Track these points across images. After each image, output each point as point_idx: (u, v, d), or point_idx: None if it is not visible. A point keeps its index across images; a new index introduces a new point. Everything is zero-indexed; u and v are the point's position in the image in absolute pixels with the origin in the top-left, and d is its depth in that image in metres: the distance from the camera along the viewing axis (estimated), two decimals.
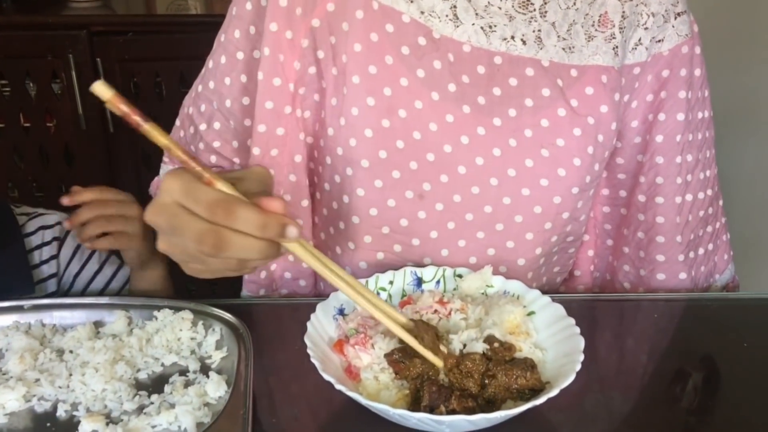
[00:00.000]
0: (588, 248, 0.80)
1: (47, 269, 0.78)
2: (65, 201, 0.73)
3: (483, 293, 0.62)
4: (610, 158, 0.74)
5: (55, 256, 0.79)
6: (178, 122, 0.81)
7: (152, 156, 1.79)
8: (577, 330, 0.54)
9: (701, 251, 0.77)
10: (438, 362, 0.50)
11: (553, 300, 0.58)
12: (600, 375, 0.59)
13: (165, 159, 0.83)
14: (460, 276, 0.63)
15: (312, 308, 0.56)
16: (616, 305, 0.73)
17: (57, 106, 1.67)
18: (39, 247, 0.79)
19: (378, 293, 0.62)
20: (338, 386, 0.47)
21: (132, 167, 1.79)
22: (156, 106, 1.74)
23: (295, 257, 0.52)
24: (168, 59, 1.73)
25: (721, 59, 2.17)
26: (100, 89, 0.43)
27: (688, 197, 0.74)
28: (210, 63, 0.75)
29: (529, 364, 0.50)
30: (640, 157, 0.74)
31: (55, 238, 0.80)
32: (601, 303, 0.73)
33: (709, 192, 0.76)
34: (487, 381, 0.49)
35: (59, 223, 0.81)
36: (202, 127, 0.75)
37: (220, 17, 1.05)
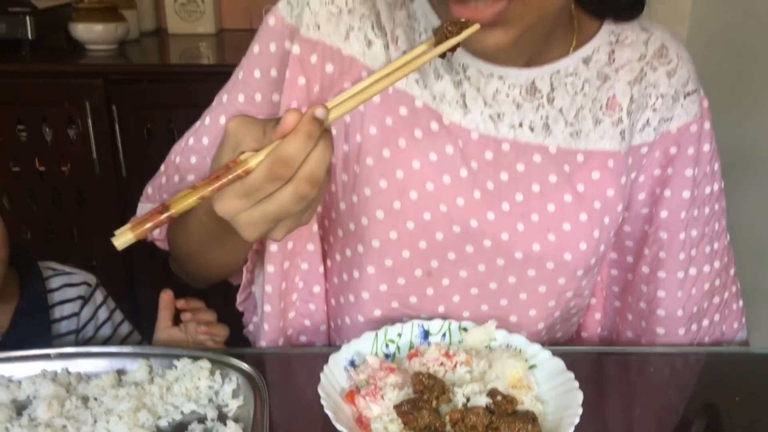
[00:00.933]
0: (595, 311, 0.82)
1: (67, 325, 0.82)
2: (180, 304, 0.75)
3: (487, 346, 0.65)
4: (619, 226, 0.76)
5: (77, 314, 0.83)
6: (162, 168, 0.83)
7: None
8: (576, 384, 0.57)
9: (705, 323, 0.79)
10: None
11: (554, 353, 0.61)
12: (600, 428, 0.62)
13: (142, 199, 0.86)
14: (465, 329, 0.66)
15: (324, 359, 0.59)
16: (616, 359, 0.75)
17: (71, 151, 1.72)
18: (62, 303, 0.82)
19: (387, 345, 0.65)
20: None
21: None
22: (168, 151, 1.79)
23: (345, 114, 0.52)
24: (181, 107, 1.78)
25: (722, 109, 2.22)
26: (122, 240, 0.47)
27: (692, 271, 0.76)
28: (207, 119, 0.77)
29: (531, 417, 0.53)
30: (646, 227, 0.76)
31: (79, 297, 0.84)
32: (603, 356, 0.76)
33: (716, 264, 0.77)
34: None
35: (85, 282, 0.85)
36: (190, 177, 0.78)
37: (232, 66, 1.11)
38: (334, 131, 0.69)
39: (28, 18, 1.77)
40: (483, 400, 0.54)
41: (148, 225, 0.47)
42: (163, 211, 0.48)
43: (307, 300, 0.78)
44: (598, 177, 0.70)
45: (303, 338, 0.79)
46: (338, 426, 0.50)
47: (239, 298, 0.82)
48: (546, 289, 0.71)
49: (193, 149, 0.78)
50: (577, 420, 0.52)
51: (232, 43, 2.15)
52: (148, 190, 0.85)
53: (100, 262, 1.77)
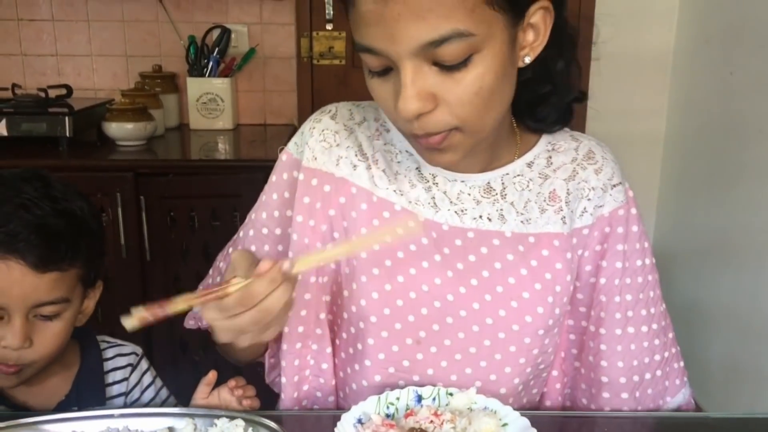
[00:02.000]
0: (553, 369, 0.97)
1: (118, 388, 0.97)
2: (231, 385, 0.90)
3: (469, 408, 0.79)
4: (572, 294, 0.92)
5: (126, 379, 0.98)
6: (210, 271, 1.03)
7: (181, 280, 1.99)
8: None
9: (647, 376, 0.93)
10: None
11: (522, 414, 0.76)
12: None
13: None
14: (451, 394, 0.81)
15: (335, 419, 0.74)
16: (575, 420, 0.89)
17: None
18: (114, 370, 0.98)
19: (387, 406, 0.79)
20: None
21: (163, 291, 1.98)
22: (189, 237, 1.97)
23: (307, 269, 0.74)
24: (201, 197, 1.97)
25: (697, 201, 2.40)
26: (129, 323, 0.66)
27: (630, 330, 0.91)
28: (241, 233, 0.98)
29: None
30: (593, 295, 0.92)
31: (129, 365, 0.99)
32: (564, 418, 0.91)
33: (654, 326, 0.93)
34: None
35: (134, 353, 1.00)
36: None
37: (247, 161, 1.29)
38: (336, 235, 0.88)
39: (66, 118, 1.98)
40: None
41: (149, 316, 0.67)
42: (163, 306, 0.67)
43: (317, 375, 0.93)
44: (547, 254, 0.87)
45: (318, 394, 0.94)
46: None
47: (268, 378, 0.99)
48: (516, 348, 0.87)
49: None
50: None
51: (248, 137, 2.36)
52: (200, 288, 1.02)
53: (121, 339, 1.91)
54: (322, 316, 0.91)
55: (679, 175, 2.56)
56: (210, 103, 2.34)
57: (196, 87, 2.33)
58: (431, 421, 0.74)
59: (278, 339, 0.92)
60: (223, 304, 0.68)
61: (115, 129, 2.06)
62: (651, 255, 0.93)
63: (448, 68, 0.71)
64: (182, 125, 2.42)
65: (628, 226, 0.90)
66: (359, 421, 0.75)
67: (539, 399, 0.98)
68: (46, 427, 0.77)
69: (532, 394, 0.95)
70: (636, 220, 0.91)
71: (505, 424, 0.75)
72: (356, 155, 0.89)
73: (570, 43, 0.84)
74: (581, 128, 2.53)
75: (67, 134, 1.98)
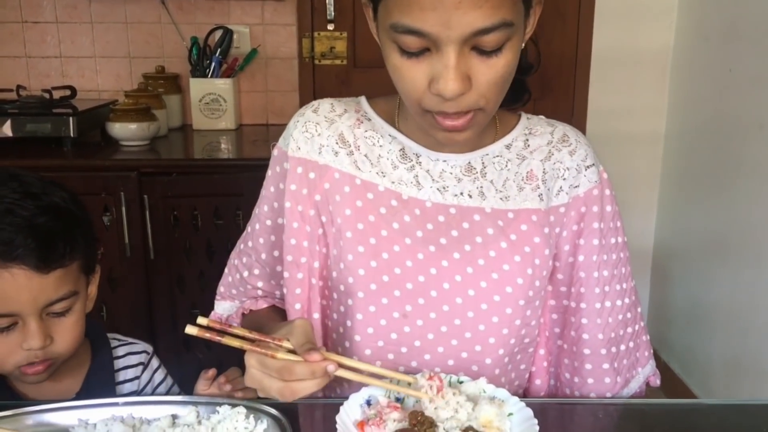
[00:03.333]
0: (540, 348, 1.00)
1: (129, 386, 0.99)
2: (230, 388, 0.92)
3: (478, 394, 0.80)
4: (552, 275, 0.96)
5: (138, 377, 1.00)
6: (227, 270, 1.07)
7: (185, 279, 2.01)
8: (537, 427, 0.72)
9: (623, 347, 0.97)
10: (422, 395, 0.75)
11: (528, 405, 0.77)
12: None
13: (217, 297, 1.06)
14: (461, 382, 0.81)
15: (331, 408, 0.76)
16: (576, 407, 0.92)
17: (105, 236, 1.91)
18: (125, 368, 0.99)
19: (398, 392, 0.80)
20: None
21: (167, 290, 2.01)
22: (193, 236, 1.99)
23: (344, 377, 0.77)
24: (204, 196, 1.99)
25: (698, 198, 2.42)
26: (190, 331, 0.72)
27: (607, 304, 0.95)
28: (248, 228, 1.02)
29: None
30: (572, 273, 0.95)
31: (140, 363, 1.01)
32: (563, 405, 0.93)
33: (627, 300, 0.97)
34: None
35: (144, 351, 1.03)
36: (245, 273, 1.02)
37: (249, 160, 1.30)
38: (324, 219, 0.93)
39: (71, 119, 2.00)
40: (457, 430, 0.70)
41: (207, 336, 0.73)
42: (220, 335, 0.73)
43: None
44: (526, 228, 0.91)
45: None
46: None
47: None
48: (498, 319, 0.90)
49: (245, 252, 1.02)
50: None
51: (250, 137, 2.37)
52: (221, 288, 1.07)
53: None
54: (318, 300, 0.95)
55: (679, 173, 2.57)
56: (213, 103, 2.36)
57: (198, 87, 2.35)
58: (432, 400, 0.75)
59: None
60: (265, 362, 0.74)
61: (119, 129, 2.08)
62: (624, 234, 0.98)
63: (486, 54, 0.77)
64: (185, 125, 2.45)
65: (602, 206, 0.95)
66: (368, 402, 0.77)
67: (528, 377, 1.01)
68: (53, 415, 0.78)
69: (520, 370, 0.97)
70: (610, 200, 0.96)
71: (510, 414, 0.76)
72: (337, 143, 0.93)
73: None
74: (582, 127, 2.56)
75: (72, 134, 2.00)
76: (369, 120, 0.95)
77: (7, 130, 1.99)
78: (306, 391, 0.73)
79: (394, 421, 0.73)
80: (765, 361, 1.99)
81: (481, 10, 0.73)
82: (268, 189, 0.97)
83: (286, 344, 0.74)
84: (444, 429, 0.71)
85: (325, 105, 0.96)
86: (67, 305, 0.88)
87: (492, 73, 0.78)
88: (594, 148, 0.97)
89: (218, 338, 0.73)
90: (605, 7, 2.50)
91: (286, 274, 0.94)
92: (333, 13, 2.40)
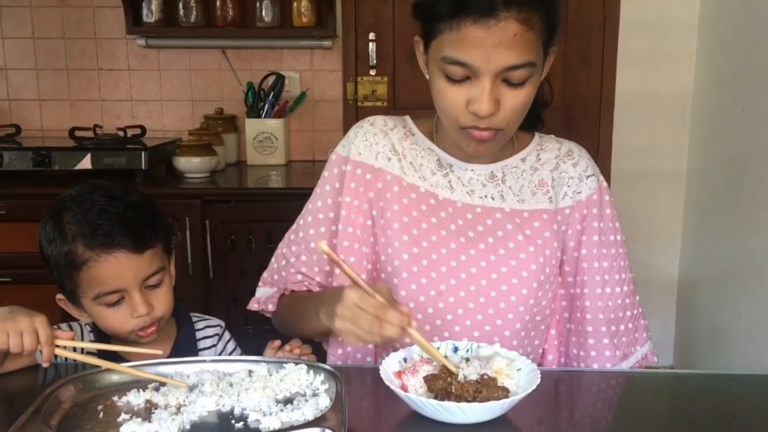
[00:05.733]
0: (552, 328, 1.18)
1: (208, 353, 1.20)
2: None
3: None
4: (560, 267, 1.14)
5: (215, 345, 1.21)
6: (273, 260, 1.25)
7: (239, 297, 2.22)
8: (538, 375, 0.89)
9: (622, 327, 1.15)
10: (453, 368, 0.89)
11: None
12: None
13: (260, 284, 1.25)
14: (479, 347, 0.98)
15: (372, 371, 0.94)
16: (575, 375, 1.08)
17: None
18: (204, 338, 1.21)
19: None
20: (397, 390, 0.84)
21: (224, 306, 2.22)
22: (247, 258, 2.20)
23: (412, 338, 0.93)
24: (258, 221, 2.21)
25: (718, 230, 2.54)
26: (324, 247, 0.88)
27: (607, 290, 1.13)
28: (301, 221, 1.21)
29: (502, 387, 0.86)
30: (577, 265, 1.14)
31: (216, 334, 1.23)
32: (567, 374, 1.10)
33: (625, 288, 1.15)
34: (477, 393, 0.85)
35: (219, 325, 1.24)
36: (292, 260, 1.20)
37: (297, 189, 1.52)
38: (375, 213, 1.12)
39: (142, 153, 2.26)
40: (475, 376, 0.87)
41: (333, 258, 0.90)
42: (340, 264, 0.90)
43: None
44: (538, 225, 1.11)
45: (358, 355, 1.16)
46: (391, 386, 0.84)
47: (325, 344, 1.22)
48: (515, 298, 1.08)
49: (294, 242, 1.21)
50: (530, 390, 0.85)
51: (299, 171, 2.60)
52: (264, 275, 1.27)
53: None
54: (363, 276, 1.13)
55: (701, 207, 2.71)
56: (265, 141, 2.61)
57: (253, 127, 2.60)
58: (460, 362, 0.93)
59: None
60: (365, 299, 0.90)
61: (184, 163, 2.33)
62: (622, 233, 1.17)
63: (513, 85, 0.97)
64: (240, 161, 2.69)
65: (602, 208, 1.14)
66: (405, 359, 0.95)
67: (542, 353, 1.18)
68: (154, 369, 0.98)
69: (534, 345, 1.15)
70: (609, 204, 1.15)
71: (519, 369, 0.93)
72: (390, 151, 1.15)
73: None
74: (607, 164, 2.73)
75: (143, 167, 2.25)
76: (413, 135, 1.17)
77: (87, 163, 2.25)
78: (391, 331, 0.89)
79: (424, 371, 0.91)
80: None
81: (513, 51, 0.94)
82: (323, 187, 1.17)
83: (378, 297, 0.90)
84: (463, 374, 0.89)
85: (379, 120, 1.18)
86: (159, 278, 1.12)
87: (516, 100, 0.99)
88: (594, 163, 1.17)
89: (340, 262, 0.89)
90: (628, 53, 2.69)
91: (341, 257, 1.12)
92: (375, 60, 2.65)
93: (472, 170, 1.13)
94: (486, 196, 1.12)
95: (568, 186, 1.14)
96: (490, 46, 0.94)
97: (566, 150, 1.16)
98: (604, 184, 1.16)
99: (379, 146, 1.14)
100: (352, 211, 1.13)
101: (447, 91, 1.00)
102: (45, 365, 0.96)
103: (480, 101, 0.97)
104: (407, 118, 1.20)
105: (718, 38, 2.56)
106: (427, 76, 1.04)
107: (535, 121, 1.16)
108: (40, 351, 0.96)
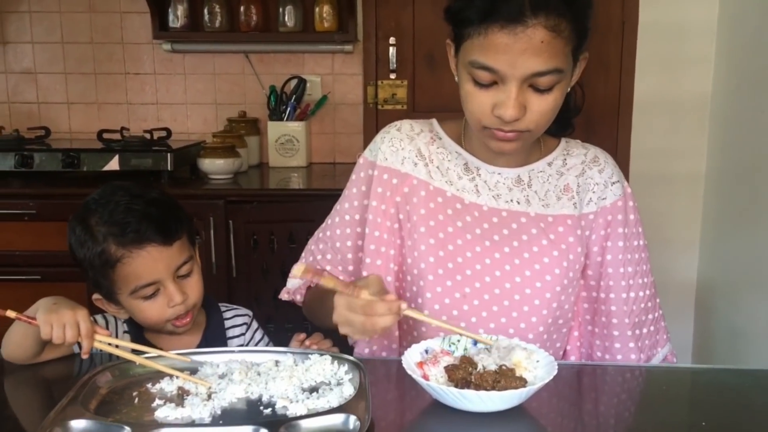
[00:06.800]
0: (574, 330, 1.20)
1: (237, 341, 1.25)
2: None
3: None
4: (583, 271, 1.16)
5: (243, 334, 1.25)
6: (303, 254, 1.29)
7: (261, 296, 2.26)
8: (556, 367, 0.92)
9: (645, 330, 1.16)
10: (459, 330, 0.95)
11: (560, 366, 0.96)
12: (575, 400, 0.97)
13: (290, 276, 1.27)
14: (497, 339, 1.02)
15: (395, 363, 0.98)
16: (590, 368, 1.11)
17: None
18: (233, 327, 1.26)
19: (449, 345, 1.01)
20: (418, 379, 0.87)
21: (246, 304, 2.23)
22: (269, 257, 2.25)
23: (413, 317, 0.98)
24: (280, 222, 2.25)
25: (737, 234, 2.54)
26: (300, 270, 0.95)
27: (632, 294, 1.14)
28: (329, 220, 1.24)
29: (520, 378, 0.89)
30: (601, 270, 1.15)
31: (244, 323, 1.27)
32: (585, 367, 1.12)
33: (647, 292, 1.16)
34: (495, 383, 0.88)
35: (247, 314, 1.29)
36: (318, 257, 1.24)
37: (319, 190, 1.57)
38: (401, 216, 1.15)
39: (168, 155, 2.31)
40: (494, 367, 0.90)
41: (309, 274, 0.96)
42: (318, 275, 0.96)
43: None
44: (562, 230, 1.12)
45: (383, 354, 1.19)
46: (412, 374, 0.88)
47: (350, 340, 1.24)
48: (539, 301, 1.10)
49: (322, 240, 1.25)
50: (548, 380, 0.88)
51: (319, 173, 2.65)
52: (293, 268, 1.26)
53: None
54: (389, 278, 1.16)
55: (720, 210, 2.71)
56: (287, 143, 2.65)
57: (275, 130, 2.65)
58: (479, 353, 0.96)
59: None
60: (351, 302, 0.95)
61: (208, 164, 2.38)
62: (645, 238, 1.18)
63: (539, 91, 0.99)
64: (262, 163, 2.74)
65: (626, 215, 1.15)
66: (426, 351, 0.98)
67: (563, 354, 1.20)
68: (183, 358, 1.02)
69: (556, 347, 1.17)
70: (633, 210, 1.17)
71: (538, 361, 0.96)
72: (416, 156, 1.17)
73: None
74: (625, 167, 2.75)
75: (169, 168, 2.30)
76: (440, 139, 1.19)
77: (115, 164, 2.31)
78: (384, 323, 0.94)
79: (445, 362, 0.94)
80: None
81: (540, 58, 0.96)
82: (350, 189, 1.21)
83: (364, 293, 0.96)
84: (482, 365, 0.92)
85: (405, 125, 1.20)
86: (189, 268, 1.17)
87: (543, 106, 1.01)
88: (619, 169, 1.18)
89: (315, 277, 0.95)
90: (646, 57, 2.71)
91: (367, 260, 1.16)
92: (395, 64, 2.68)
93: (499, 173, 1.15)
94: (512, 200, 1.14)
95: (593, 192, 1.15)
96: (517, 52, 0.95)
97: (592, 156, 1.18)
98: (629, 190, 1.17)
99: (405, 151, 1.17)
100: (379, 215, 1.16)
101: (474, 95, 1.02)
102: (84, 356, 1.01)
103: (506, 106, 0.99)
104: (434, 121, 1.21)
105: (737, 41, 2.57)
106: (456, 79, 1.07)
107: (564, 125, 1.17)
108: (79, 343, 1.01)
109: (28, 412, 1.01)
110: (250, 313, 1.31)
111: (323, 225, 1.26)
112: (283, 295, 1.28)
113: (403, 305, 0.95)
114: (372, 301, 0.95)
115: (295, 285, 1.27)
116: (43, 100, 2.78)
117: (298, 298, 1.26)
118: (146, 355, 1.01)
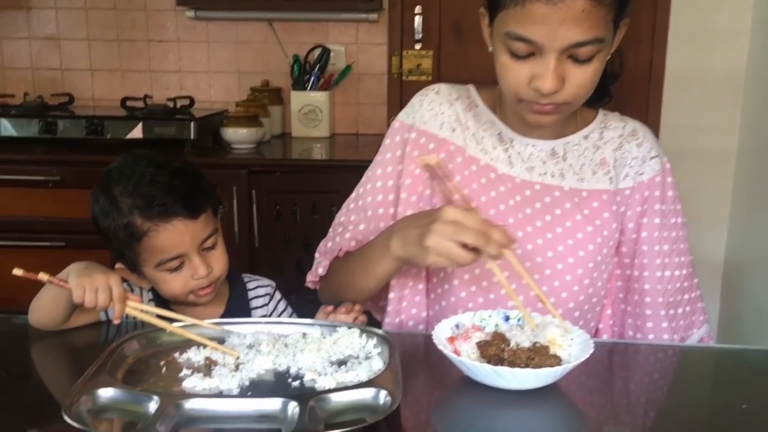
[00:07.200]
0: (607, 309, 1.17)
1: (260, 312, 1.23)
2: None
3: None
4: (618, 248, 1.12)
5: (266, 305, 1.24)
6: (330, 230, 1.24)
7: (284, 266, 2.25)
8: (592, 345, 0.90)
9: (680, 311, 1.13)
10: (515, 296, 0.94)
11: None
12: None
13: (316, 255, 1.23)
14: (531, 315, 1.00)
15: (424, 337, 0.96)
16: (622, 347, 1.09)
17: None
18: (256, 297, 1.24)
19: (480, 321, 0.99)
20: (450, 354, 0.86)
21: (267, 273, 2.21)
22: (292, 229, 2.24)
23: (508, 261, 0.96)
24: (302, 192, 2.24)
25: (766, 216, 2.48)
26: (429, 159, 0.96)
27: (667, 273, 1.11)
28: (360, 189, 1.20)
29: (554, 356, 0.87)
30: (635, 247, 1.12)
31: (267, 294, 1.26)
32: (617, 346, 1.10)
33: (684, 271, 1.13)
34: (529, 360, 0.86)
35: (270, 285, 1.27)
36: (350, 227, 1.19)
37: (341, 161, 1.52)
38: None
39: (191, 123, 2.30)
40: (528, 344, 0.88)
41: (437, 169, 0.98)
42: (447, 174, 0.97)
43: (411, 306, 1.16)
44: (597, 205, 1.09)
45: (411, 323, 1.16)
46: (443, 349, 0.86)
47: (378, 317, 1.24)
48: (570, 277, 1.08)
49: (353, 211, 1.20)
50: (583, 359, 0.86)
51: (342, 144, 2.62)
52: (321, 246, 1.24)
53: None
54: None
55: (750, 188, 2.65)
56: (310, 113, 2.62)
57: (298, 100, 2.62)
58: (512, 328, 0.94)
59: (386, 289, 1.16)
60: (469, 215, 0.93)
61: (231, 133, 2.36)
62: (683, 216, 1.14)
63: (579, 61, 0.95)
64: (285, 134, 2.71)
65: (664, 191, 1.12)
66: (456, 326, 0.96)
67: (595, 332, 1.18)
68: (215, 327, 1.01)
69: (589, 326, 1.14)
70: (672, 186, 1.13)
71: (573, 338, 0.93)
72: (455, 121, 1.14)
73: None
74: None
75: (192, 137, 2.29)
76: (476, 106, 1.15)
77: (138, 132, 2.30)
78: (492, 250, 0.92)
79: (476, 338, 0.92)
80: None
81: (580, 27, 0.91)
82: (384, 155, 1.17)
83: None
84: (515, 342, 0.90)
85: (444, 88, 1.17)
86: (213, 240, 1.15)
87: (582, 77, 0.96)
88: (658, 144, 1.14)
89: (449, 174, 0.98)
90: (680, 29, 2.63)
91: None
92: (421, 34, 2.63)
93: (533, 146, 1.12)
94: (545, 173, 1.11)
95: (630, 167, 1.11)
96: (556, 22, 0.91)
97: (631, 129, 1.14)
98: (668, 165, 1.13)
99: (444, 116, 1.14)
100: (414, 180, 1.13)
101: (510, 67, 0.98)
102: (116, 322, 0.99)
103: (543, 78, 0.95)
104: (471, 87, 1.17)
105: None
106: (490, 49, 1.03)
107: (601, 94, 1.12)
108: (111, 308, 1.00)
109: (55, 378, 1.00)
110: (273, 283, 1.29)
111: (352, 195, 1.22)
112: (309, 282, 1.24)
113: (515, 244, 0.95)
114: (490, 222, 0.93)
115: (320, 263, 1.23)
116: (67, 67, 2.77)
117: (320, 271, 1.20)
118: (178, 324, 1.00)
